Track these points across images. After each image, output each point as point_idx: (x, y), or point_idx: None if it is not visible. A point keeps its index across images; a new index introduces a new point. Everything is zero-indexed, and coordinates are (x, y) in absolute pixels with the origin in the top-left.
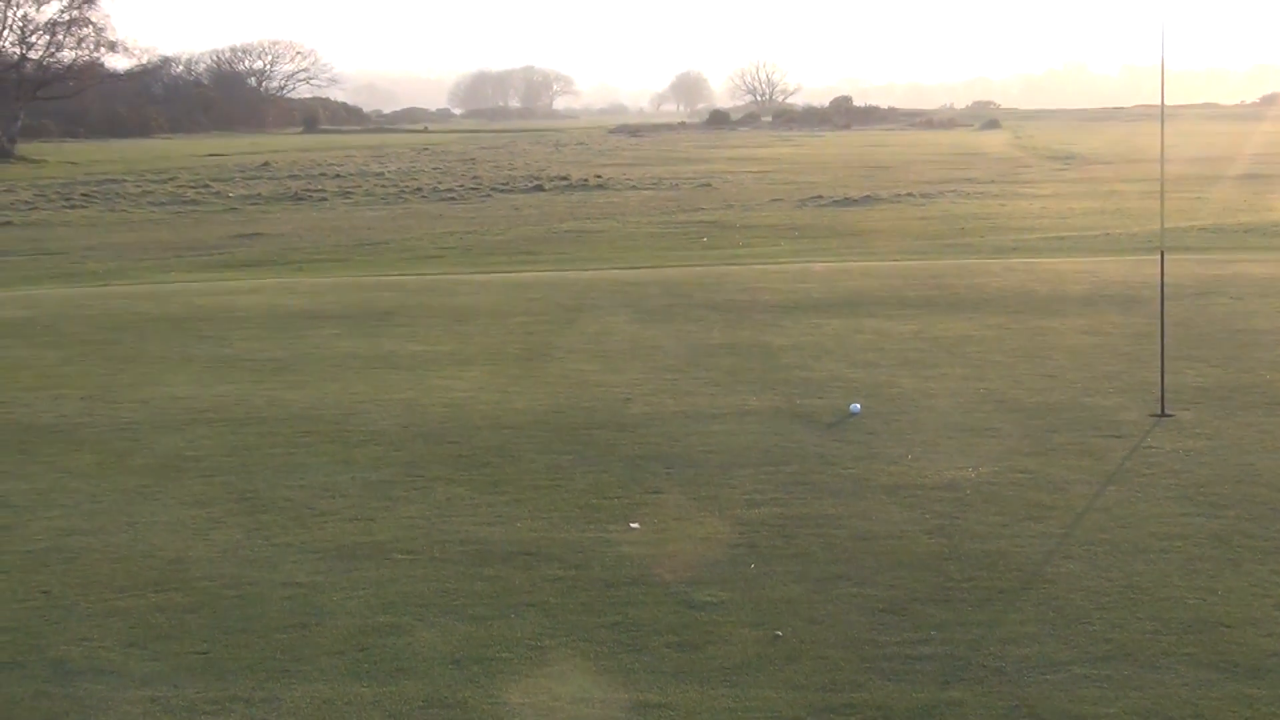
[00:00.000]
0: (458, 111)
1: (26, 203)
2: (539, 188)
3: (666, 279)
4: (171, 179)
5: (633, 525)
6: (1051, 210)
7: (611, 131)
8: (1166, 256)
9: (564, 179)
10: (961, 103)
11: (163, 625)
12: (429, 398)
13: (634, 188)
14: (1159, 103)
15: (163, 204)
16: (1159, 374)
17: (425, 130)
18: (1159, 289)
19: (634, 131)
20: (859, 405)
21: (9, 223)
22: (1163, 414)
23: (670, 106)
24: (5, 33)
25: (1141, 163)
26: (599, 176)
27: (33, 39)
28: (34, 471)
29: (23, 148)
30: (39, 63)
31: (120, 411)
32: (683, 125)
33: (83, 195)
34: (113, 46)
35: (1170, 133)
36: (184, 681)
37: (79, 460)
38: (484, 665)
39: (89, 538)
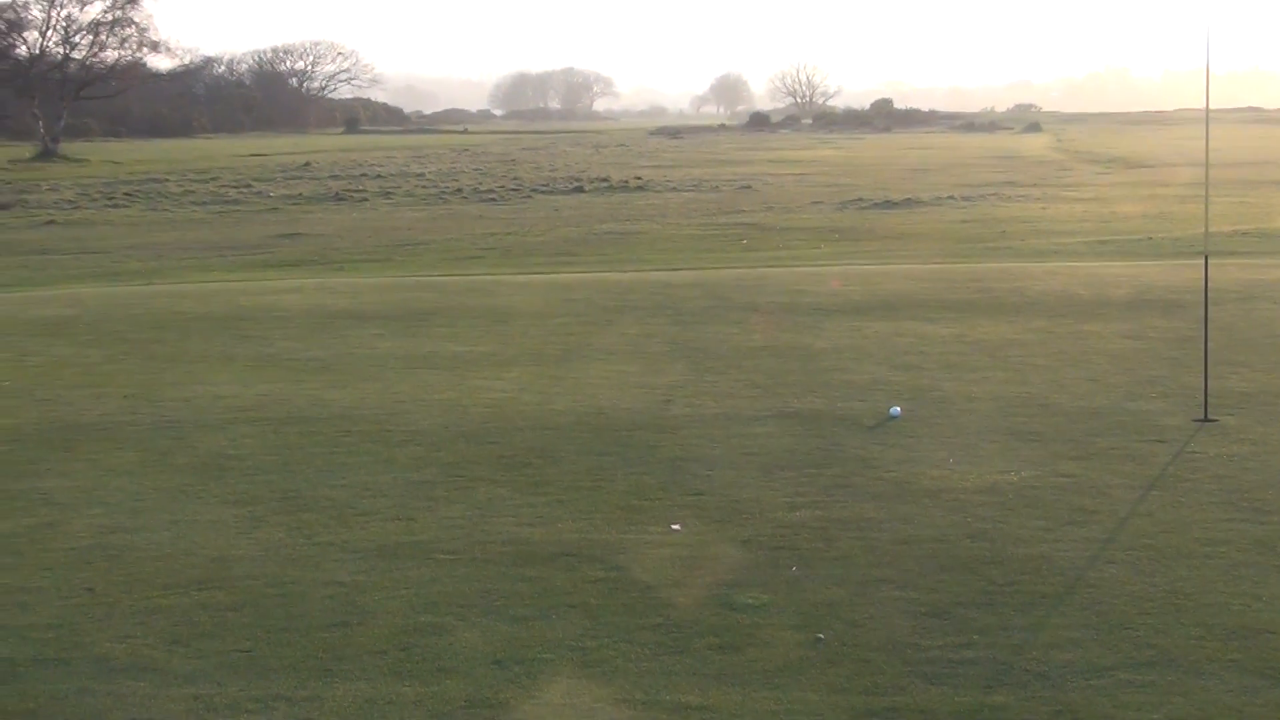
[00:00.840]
0: (498, 113)
1: (69, 202)
2: (579, 189)
3: (707, 281)
4: (213, 179)
5: (674, 527)
6: (1093, 214)
7: (652, 133)
8: (1210, 261)
9: (604, 180)
10: (1003, 106)
11: (205, 623)
12: (470, 398)
13: (674, 189)
14: (1202, 106)
15: (205, 204)
16: (1202, 379)
17: (465, 131)
18: (1203, 293)
19: (674, 133)
20: (900, 408)
21: (52, 221)
22: (1206, 419)
23: (710, 108)
24: (49, 33)
25: (1184, 167)
26: (639, 178)
27: (76, 39)
28: (77, 469)
29: (66, 147)
30: (82, 63)
31: (163, 410)
32: (723, 127)
33: (125, 194)
34: (155, 47)
35: (1213, 136)
36: (227, 679)
37: (122, 458)
38: (526, 666)
39: (132, 535)
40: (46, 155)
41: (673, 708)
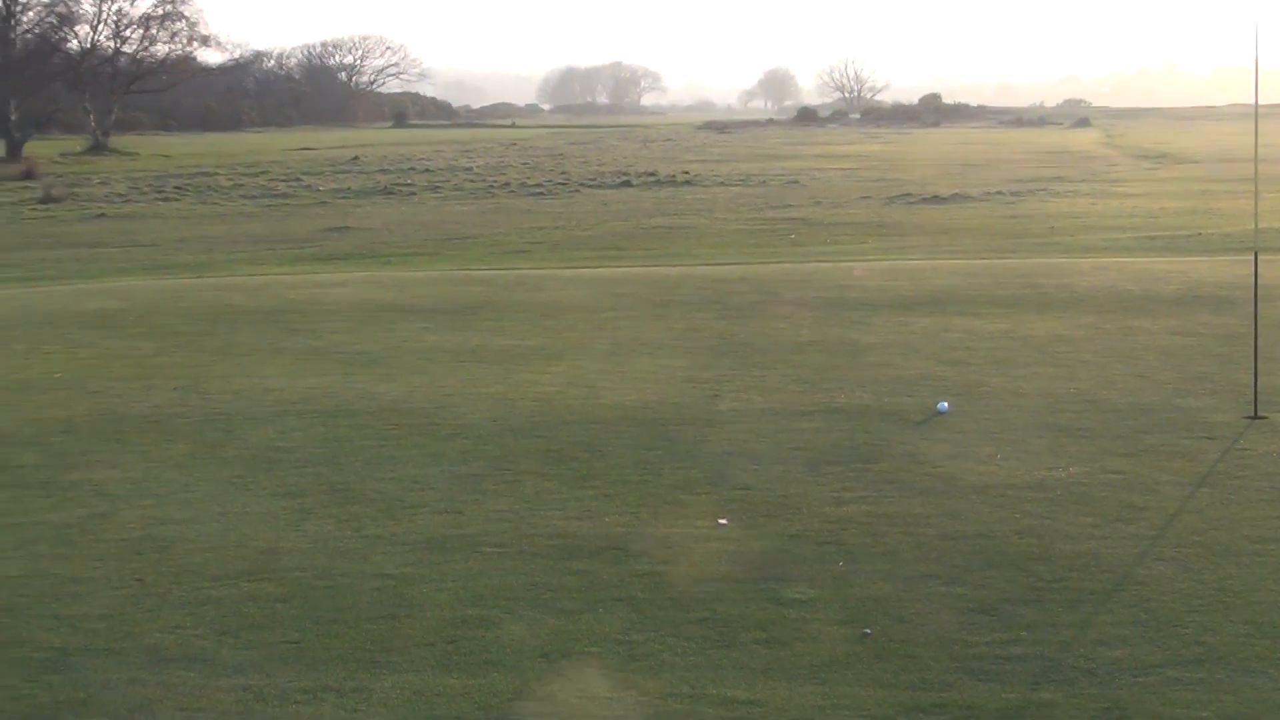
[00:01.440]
0: (546, 107)
1: (120, 195)
2: (627, 184)
3: (754, 275)
4: (263, 173)
5: (721, 521)
6: (1143, 209)
7: (699, 128)
8: (1260, 257)
9: (652, 175)
10: (1052, 101)
11: (255, 614)
12: (518, 392)
13: (722, 184)
14: (1252, 102)
15: (254, 197)
16: (1252, 375)
17: (514, 125)
18: (1253, 290)
19: (722, 128)
20: (948, 404)
21: (103, 215)
22: (1256, 416)
23: (758, 103)
24: (100, 27)
25: (1234, 162)
26: (687, 173)
27: (127, 33)
28: (128, 460)
29: (116, 140)
30: (133, 57)
31: (212, 402)
32: (771, 122)
33: (175, 188)
34: (205, 41)
35: (1264, 132)
36: (276, 671)
37: (172, 450)
38: (573, 659)
39: (182, 527)
40: (97, 149)
41: (719, 702)
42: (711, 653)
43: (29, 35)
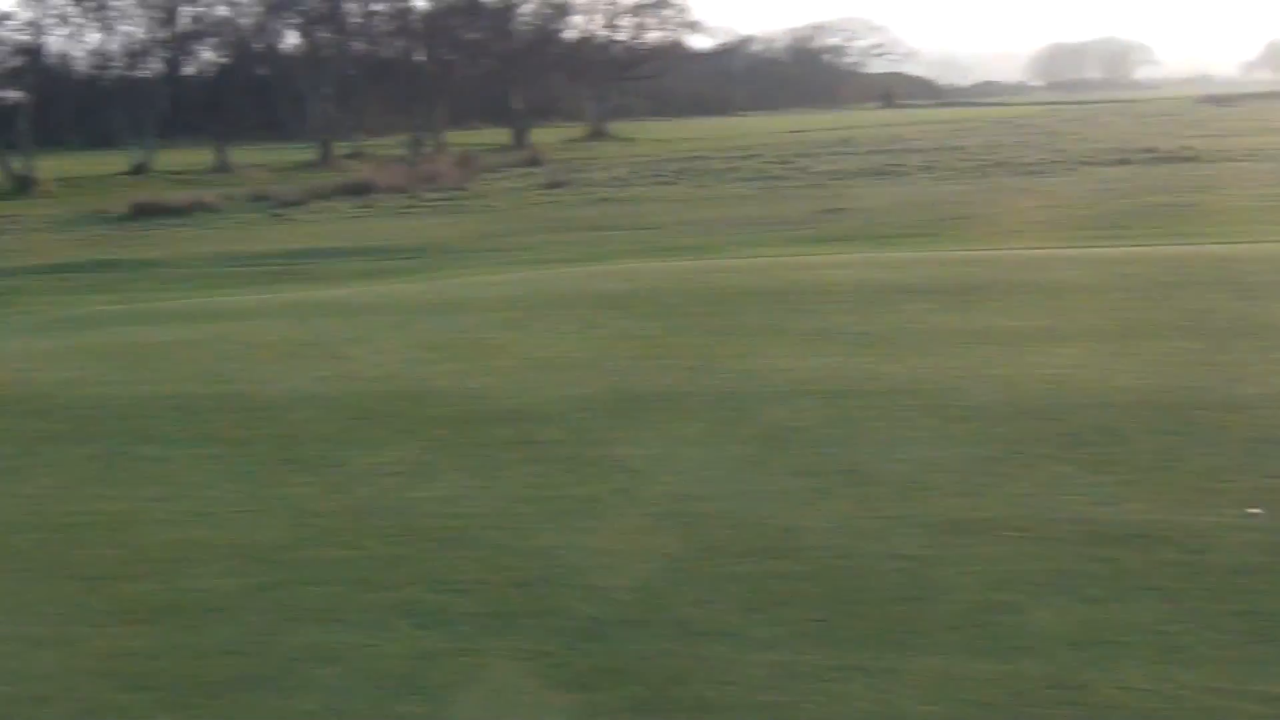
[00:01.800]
0: (1039, 84)
1: (621, 180)
2: (1124, 161)
3: (1270, 255)
4: (755, 155)
5: (1253, 511)
6: None
7: (1198, 101)
8: None
9: (1151, 151)
10: None
11: (779, 591)
12: (1026, 374)
13: (1227, 159)
14: None
15: (748, 180)
16: None
17: (1003, 104)
18: None
19: (1222, 101)
20: None
21: (605, 199)
22: None
23: (1262, 74)
24: (595, 16)
25: None
26: (1189, 148)
27: (619, 22)
28: (646, 437)
29: (614, 127)
30: (626, 44)
31: (722, 381)
32: (1275, 94)
33: (673, 172)
34: (693, 27)
35: None
36: (804, 647)
37: (687, 428)
38: (1105, 648)
39: (702, 503)
40: (597, 135)
41: (1265, 699)
42: (1252, 647)
43: (527, 27)
